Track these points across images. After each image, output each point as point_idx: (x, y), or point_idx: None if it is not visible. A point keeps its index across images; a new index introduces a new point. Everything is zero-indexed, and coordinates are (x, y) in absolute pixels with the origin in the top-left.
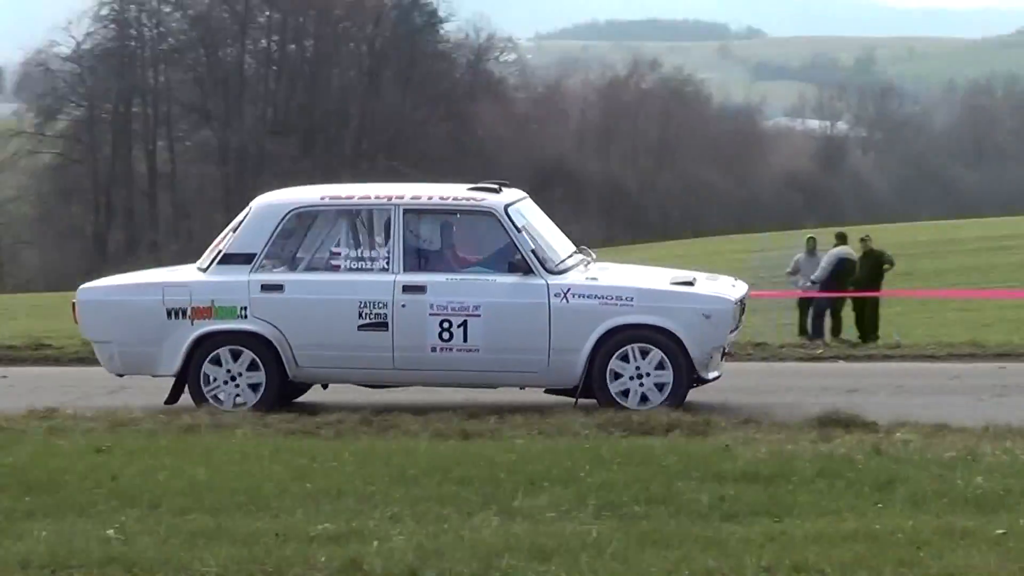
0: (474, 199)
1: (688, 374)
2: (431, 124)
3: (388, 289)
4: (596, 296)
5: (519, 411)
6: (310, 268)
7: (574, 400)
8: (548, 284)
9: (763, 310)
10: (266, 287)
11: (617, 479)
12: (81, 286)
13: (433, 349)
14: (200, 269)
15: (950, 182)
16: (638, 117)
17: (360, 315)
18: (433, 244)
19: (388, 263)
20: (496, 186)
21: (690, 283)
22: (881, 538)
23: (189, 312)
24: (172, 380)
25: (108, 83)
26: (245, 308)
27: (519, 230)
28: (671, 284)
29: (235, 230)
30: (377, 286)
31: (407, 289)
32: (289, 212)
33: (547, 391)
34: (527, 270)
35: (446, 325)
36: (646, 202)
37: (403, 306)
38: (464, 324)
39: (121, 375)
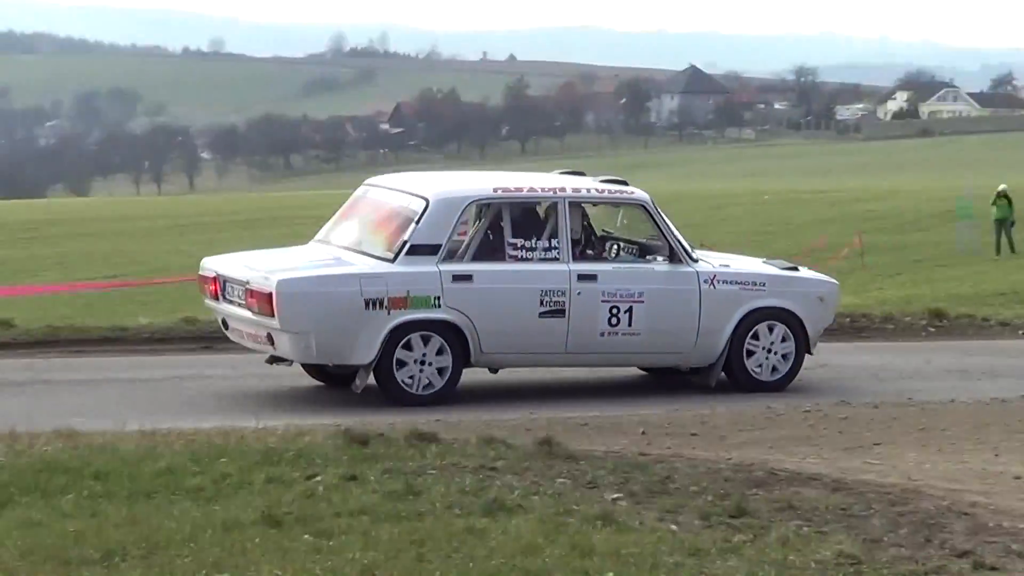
0: (626, 191)
1: (805, 350)
2: None
3: (565, 278)
4: (737, 282)
5: None
6: (492, 258)
7: (711, 381)
8: (697, 272)
9: None
10: (457, 277)
11: None
12: (279, 278)
13: (602, 334)
14: (385, 259)
15: None
16: None
17: (541, 303)
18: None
19: (559, 253)
20: (624, 180)
21: (795, 268)
22: None
23: (386, 302)
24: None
25: None
26: (439, 298)
27: (666, 221)
28: (784, 270)
29: (416, 221)
30: (555, 275)
31: (581, 278)
32: (468, 204)
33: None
34: (678, 259)
35: (615, 311)
36: None
37: (579, 294)
38: (630, 310)
39: (311, 363)
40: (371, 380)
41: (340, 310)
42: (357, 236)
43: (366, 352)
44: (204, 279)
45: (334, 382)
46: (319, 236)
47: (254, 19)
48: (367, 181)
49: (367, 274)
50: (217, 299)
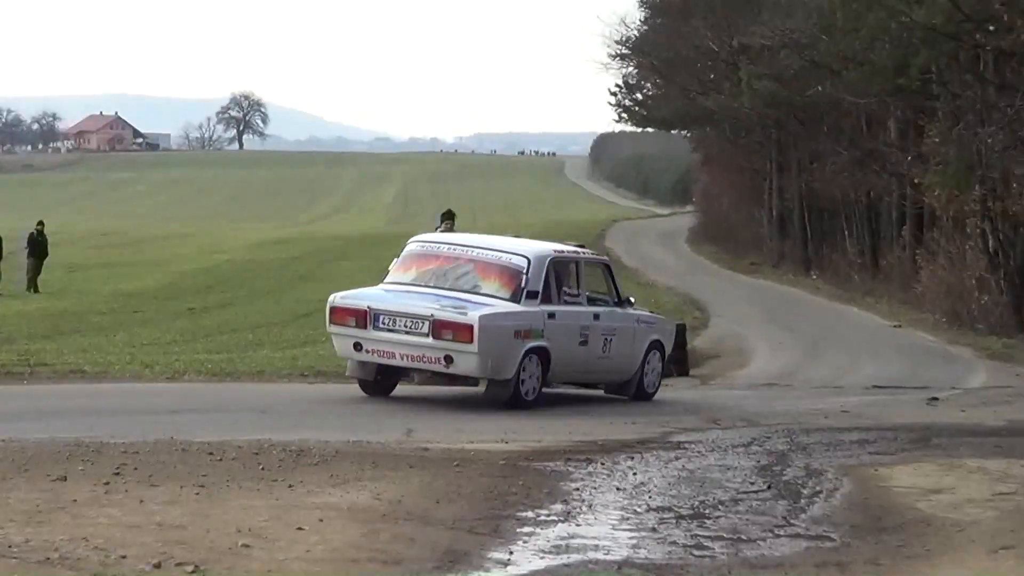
0: (599, 255)
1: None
2: None
3: (589, 317)
4: (645, 321)
5: None
6: (555, 302)
7: (630, 394)
8: (633, 314)
9: None
10: (549, 315)
11: None
12: (480, 314)
13: (599, 358)
14: (512, 301)
15: None
16: None
17: (579, 335)
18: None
19: (581, 299)
20: (583, 245)
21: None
22: None
23: (522, 333)
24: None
25: None
26: (542, 330)
27: (614, 277)
28: (653, 312)
29: (525, 272)
30: (585, 315)
31: (595, 317)
32: (549, 261)
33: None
34: (623, 305)
35: (606, 341)
36: None
37: (592, 329)
38: (610, 341)
39: (484, 377)
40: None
41: (506, 338)
42: (470, 282)
43: (511, 369)
44: (347, 310)
45: (377, 392)
46: (398, 279)
47: None
48: (422, 239)
49: (514, 312)
50: (364, 327)
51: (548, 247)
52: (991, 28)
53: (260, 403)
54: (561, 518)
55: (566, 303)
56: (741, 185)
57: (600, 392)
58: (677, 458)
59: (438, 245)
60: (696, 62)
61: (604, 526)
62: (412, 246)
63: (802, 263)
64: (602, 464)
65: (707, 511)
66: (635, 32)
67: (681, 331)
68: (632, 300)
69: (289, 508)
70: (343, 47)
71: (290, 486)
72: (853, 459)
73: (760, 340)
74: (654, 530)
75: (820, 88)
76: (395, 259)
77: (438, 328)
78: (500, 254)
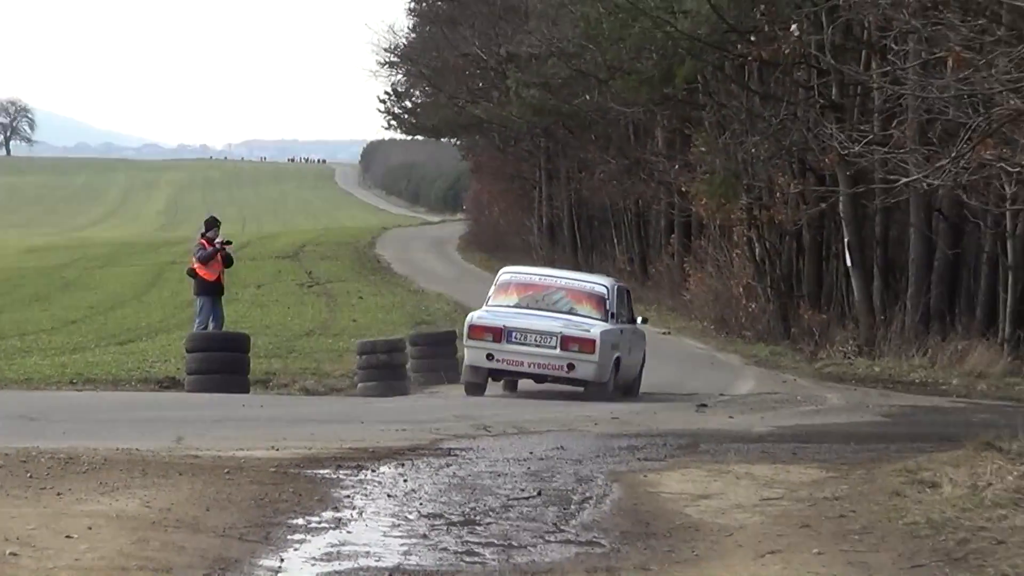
0: (621, 283)
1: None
2: None
3: (628, 333)
4: (640, 334)
5: None
6: (619, 320)
7: (637, 392)
8: (639, 328)
9: None
10: (620, 332)
11: None
12: (598, 331)
13: (628, 364)
14: (604, 320)
15: None
16: None
17: (627, 346)
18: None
19: (618, 319)
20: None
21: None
22: None
23: (615, 346)
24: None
25: None
26: (618, 344)
27: (631, 300)
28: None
29: (607, 297)
30: (625, 331)
31: (622, 332)
32: (617, 288)
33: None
34: (633, 321)
35: (627, 350)
36: None
37: (626, 341)
38: (630, 350)
39: (594, 381)
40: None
41: (610, 350)
42: (565, 304)
43: (609, 374)
44: (485, 328)
45: (477, 393)
46: (502, 303)
47: None
48: (511, 270)
49: (610, 329)
50: (499, 341)
51: (609, 279)
52: (753, 39)
53: (28, 410)
54: (332, 525)
55: (619, 321)
56: (511, 193)
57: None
58: (448, 465)
59: (528, 275)
60: (465, 70)
61: (375, 533)
62: (505, 276)
63: (571, 270)
64: (373, 471)
65: (478, 517)
66: (403, 40)
67: (452, 338)
68: (644, 319)
69: (58, 516)
70: (111, 52)
71: (59, 494)
72: (623, 465)
73: None
74: (425, 536)
75: (587, 97)
76: (492, 286)
77: (566, 342)
78: (584, 283)
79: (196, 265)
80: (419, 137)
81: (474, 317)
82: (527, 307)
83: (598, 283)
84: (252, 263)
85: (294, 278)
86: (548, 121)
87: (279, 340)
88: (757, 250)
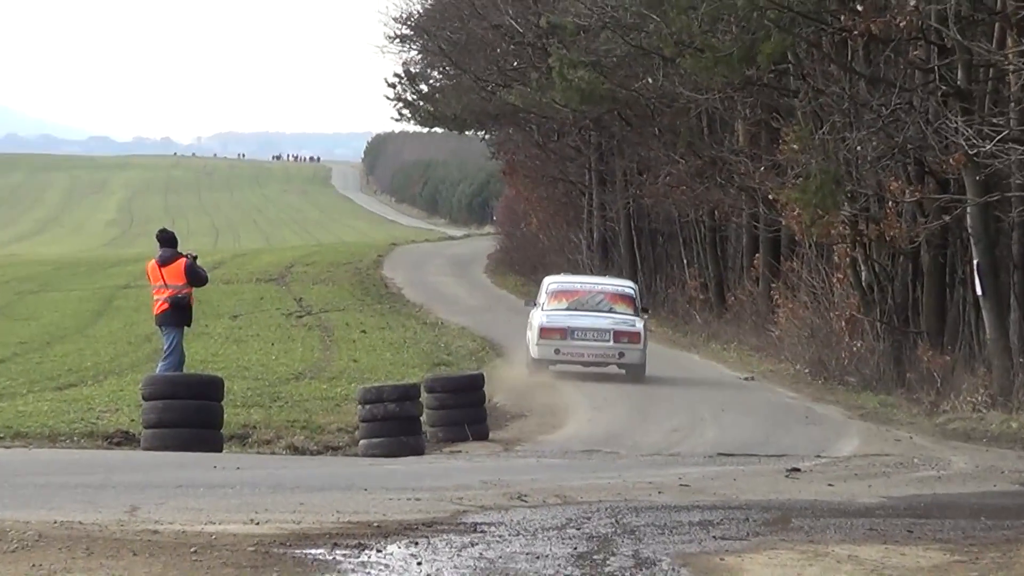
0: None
1: None
2: None
3: (643, 323)
4: (646, 325)
5: None
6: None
7: (643, 375)
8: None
9: None
10: (645, 326)
11: None
12: (640, 325)
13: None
14: (637, 317)
15: None
16: None
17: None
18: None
19: (638, 312)
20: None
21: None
22: None
23: (645, 336)
24: None
25: None
26: (646, 336)
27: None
28: None
29: (635, 298)
30: (644, 321)
31: (646, 324)
32: (637, 289)
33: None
34: (643, 314)
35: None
36: None
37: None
38: (645, 338)
39: (636, 365)
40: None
41: (647, 339)
42: (606, 305)
43: (645, 358)
44: (554, 329)
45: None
46: (556, 307)
47: None
48: (556, 280)
49: (643, 322)
50: (565, 339)
51: (630, 281)
52: (858, 8)
53: None
54: None
55: (640, 314)
56: (553, 200)
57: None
58: (473, 544)
59: (571, 283)
60: (495, 46)
61: None
62: (554, 286)
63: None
64: (379, 551)
65: None
66: (419, 7)
67: (478, 383)
68: (646, 310)
69: None
70: (49, 27)
71: None
72: (694, 545)
73: (578, 395)
74: None
75: (649, 80)
76: (541, 291)
77: (617, 335)
78: (617, 287)
79: (188, 289)
80: (437, 130)
81: (544, 320)
82: (576, 309)
83: (627, 286)
84: (227, 287)
85: (279, 307)
86: (600, 110)
87: (260, 385)
88: (863, 274)
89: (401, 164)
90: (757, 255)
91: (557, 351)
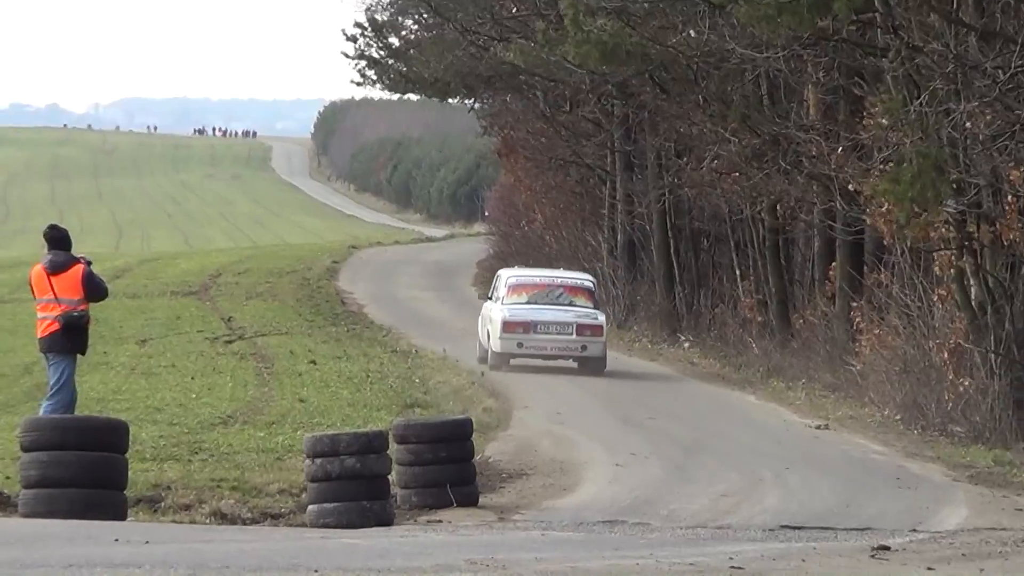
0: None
1: None
2: None
3: (604, 317)
4: (604, 319)
5: None
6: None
7: (603, 370)
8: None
9: None
10: (605, 317)
11: None
12: (602, 319)
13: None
14: (596, 309)
15: None
16: None
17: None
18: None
19: (597, 306)
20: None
21: None
22: None
23: (605, 329)
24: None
25: None
26: (605, 327)
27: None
28: None
29: (593, 291)
30: (603, 315)
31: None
32: (595, 282)
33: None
34: (600, 309)
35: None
36: None
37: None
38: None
39: (598, 358)
40: None
41: (606, 332)
42: (566, 299)
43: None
44: (517, 323)
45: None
46: (516, 300)
47: None
48: (513, 273)
49: (604, 316)
50: (528, 332)
51: (587, 274)
52: None
53: None
54: None
55: (598, 308)
56: (565, 191)
57: None
58: None
59: (530, 276)
60: None
61: None
62: (512, 279)
63: (666, 320)
64: None
65: None
66: None
67: (465, 431)
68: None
69: None
70: None
71: None
72: None
73: (596, 448)
74: None
75: (691, 33)
76: (498, 285)
77: (580, 328)
78: (576, 280)
79: (84, 306)
80: (411, 97)
81: (506, 314)
82: (537, 303)
83: (586, 279)
84: (133, 303)
85: (202, 329)
86: (627, 72)
87: (176, 432)
88: (973, 291)
89: (363, 142)
90: (832, 264)
91: (520, 345)
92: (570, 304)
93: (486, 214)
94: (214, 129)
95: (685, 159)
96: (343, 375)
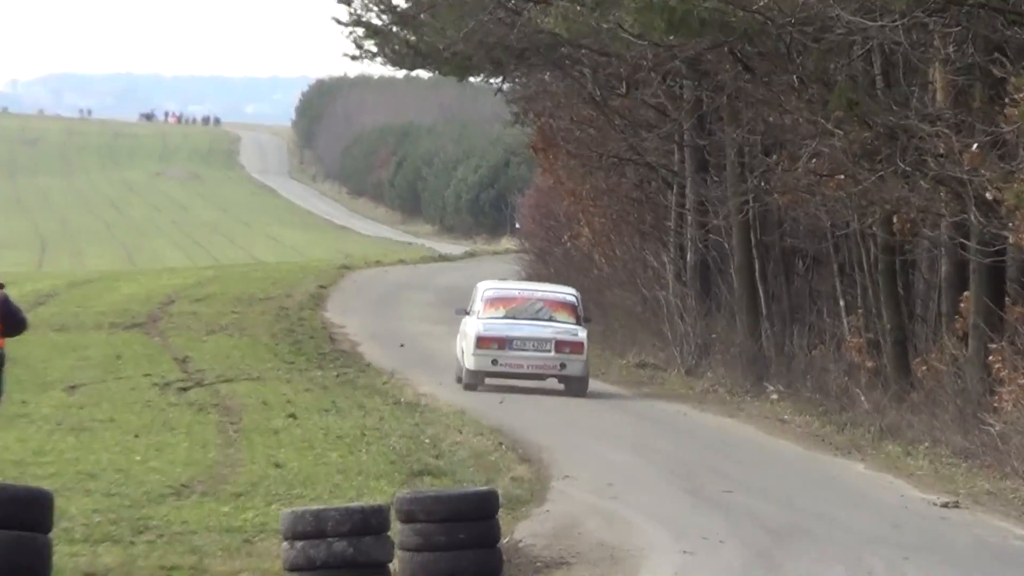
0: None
1: None
2: None
3: (584, 333)
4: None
5: None
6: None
7: (585, 392)
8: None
9: None
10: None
11: None
12: (583, 336)
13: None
14: (578, 326)
15: None
16: None
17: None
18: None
19: (579, 321)
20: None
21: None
22: None
23: (586, 346)
24: None
25: None
26: (586, 345)
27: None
28: None
29: (576, 306)
30: (583, 331)
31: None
32: (579, 296)
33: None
34: (582, 324)
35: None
36: None
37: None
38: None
39: (579, 377)
40: None
41: (587, 350)
42: (546, 314)
43: (588, 371)
44: (491, 339)
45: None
46: (492, 315)
47: None
48: (491, 285)
49: (586, 332)
50: (503, 349)
51: (570, 288)
52: None
53: None
54: None
55: (581, 324)
56: (619, 197)
57: None
58: None
59: (508, 290)
60: None
61: None
62: (490, 292)
63: (749, 365)
64: None
65: None
66: None
67: (488, 507)
68: (587, 319)
69: None
70: None
71: None
72: None
73: (657, 530)
74: None
75: None
76: (475, 298)
77: (559, 345)
78: (557, 294)
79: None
80: (421, 74)
81: (481, 329)
82: (515, 318)
83: (569, 293)
84: (59, 337)
85: (149, 371)
86: (700, 45)
87: (115, 505)
88: None
89: (358, 132)
90: (965, 294)
91: (495, 362)
92: (550, 319)
93: (516, 226)
94: (166, 114)
95: (775, 157)
96: (331, 433)
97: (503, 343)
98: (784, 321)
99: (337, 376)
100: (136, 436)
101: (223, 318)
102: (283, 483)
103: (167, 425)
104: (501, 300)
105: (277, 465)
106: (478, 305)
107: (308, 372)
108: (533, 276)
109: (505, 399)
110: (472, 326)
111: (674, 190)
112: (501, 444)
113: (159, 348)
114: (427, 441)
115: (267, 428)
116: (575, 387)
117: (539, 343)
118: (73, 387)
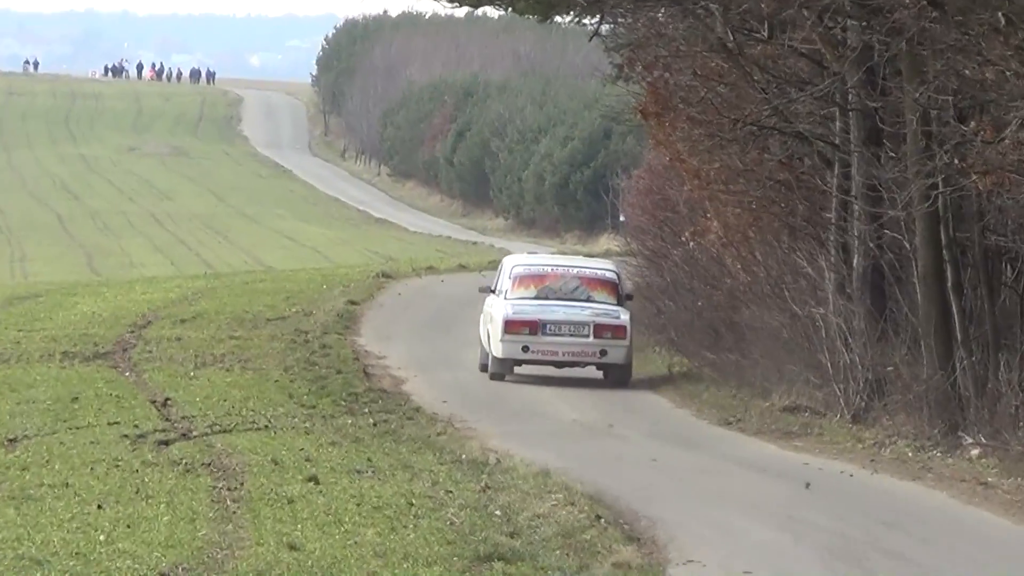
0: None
1: None
2: None
3: (626, 312)
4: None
5: None
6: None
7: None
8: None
9: None
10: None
11: None
12: (626, 318)
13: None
14: (619, 305)
15: None
16: None
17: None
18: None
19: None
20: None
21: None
22: None
23: (631, 327)
24: None
25: None
26: (631, 324)
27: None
28: None
29: (618, 284)
30: (627, 309)
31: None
32: (620, 272)
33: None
34: (623, 303)
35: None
36: None
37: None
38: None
39: (623, 363)
40: None
41: (631, 334)
42: (583, 293)
43: (632, 356)
44: (522, 322)
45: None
46: (522, 294)
47: None
48: (520, 261)
49: (629, 314)
50: (535, 334)
51: (610, 262)
52: None
53: None
54: None
55: (624, 302)
56: (759, 181)
57: None
58: None
59: (540, 266)
60: None
61: None
62: (519, 268)
63: (939, 408)
64: None
65: None
66: None
67: None
68: (629, 296)
69: None
70: None
71: None
72: None
73: None
74: None
75: None
76: (501, 274)
77: (599, 329)
78: (596, 270)
79: None
80: (489, 13)
81: (509, 312)
82: (547, 298)
83: (608, 268)
84: None
85: (116, 418)
86: None
87: None
88: None
89: (403, 91)
90: None
91: (525, 348)
92: (588, 299)
93: (620, 219)
94: (140, 67)
95: (973, 124)
96: (366, 503)
97: (535, 327)
98: (986, 349)
99: (374, 425)
100: (99, 507)
101: (218, 346)
102: (301, 571)
103: (141, 492)
104: (531, 277)
105: (292, 547)
106: (505, 283)
107: (335, 419)
108: (644, 287)
109: (611, 426)
110: (499, 308)
111: (835, 170)
112: (599, 517)
113: (130, 387)
114: (498, 513)
115: (278, 496)
116: (617, 376)
117: (576, 327)
118: (12, 440)
